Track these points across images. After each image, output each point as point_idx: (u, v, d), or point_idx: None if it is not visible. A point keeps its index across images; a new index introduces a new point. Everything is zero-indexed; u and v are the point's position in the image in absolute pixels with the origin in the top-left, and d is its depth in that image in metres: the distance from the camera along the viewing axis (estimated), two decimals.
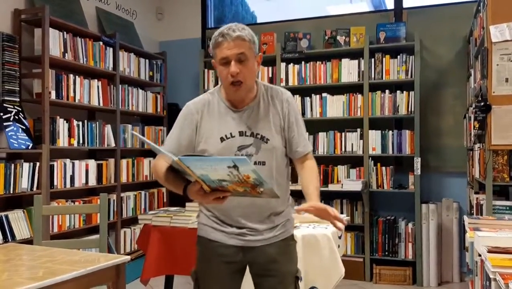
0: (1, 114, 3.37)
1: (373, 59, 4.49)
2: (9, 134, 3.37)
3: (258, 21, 5.74)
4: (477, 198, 3.28)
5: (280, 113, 1.82)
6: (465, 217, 2.77)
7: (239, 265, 1.83)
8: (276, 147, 1.79)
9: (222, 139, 1.76)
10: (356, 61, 4.53)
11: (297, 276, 1.85)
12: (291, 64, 4.74)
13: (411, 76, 4.36)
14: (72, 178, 3.91)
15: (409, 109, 4.36)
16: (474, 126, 3.05)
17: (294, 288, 1.83)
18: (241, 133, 1.77)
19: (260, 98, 1.82)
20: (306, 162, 1.87)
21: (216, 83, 5.01)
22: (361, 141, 4.49)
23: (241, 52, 1.70)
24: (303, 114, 4.64)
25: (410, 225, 4.36)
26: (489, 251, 1.86)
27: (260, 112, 1.80)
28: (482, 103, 2.85)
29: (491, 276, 1.70)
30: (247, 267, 1.86)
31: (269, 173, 1.77)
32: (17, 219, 3.35)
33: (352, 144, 4.53)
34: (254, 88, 1.82)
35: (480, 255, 2.06)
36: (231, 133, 1.77)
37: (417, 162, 4.27)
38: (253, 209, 1.78)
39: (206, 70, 5.09)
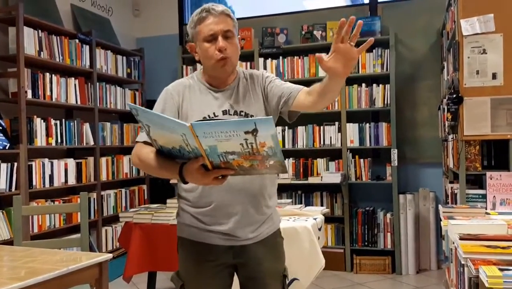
0: None
1: None
2: None
3: (236, 16, 5.72)
4: (451, 188, 3.37)
5: (261, 87, 1.77)
6: (440, 206, 2.85)
7: (228, 267, 1.75)
8: None
9: (205, 119, 1.66)
10: None
11: (284, 275, 1.81)
12: (269, 59, 4.77)
13: (387, 70, 4.43)
14: (51, 177, 3.88)
15: (385, 102, 4.44)
16: (447, 118, 3.13)
17: (282, 287, 1.80)
18: (224, 112, 1.71)
19: (241, 78, 1.79)
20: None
21: None
22: (339, 134, 4.55)
23: (228, 30, 1.68)
24: None
25: (388, 215, 4.45)
26: (461, 238, 1.93)
27: (241, 91, 1.75)
28: (454, 95, 2.93)
29: (463, 262, 1.77)
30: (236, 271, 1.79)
31: None
32: None
33: (330, 137, 4.59)
34: (235, 70, 1.79)
35: (453, 243, 2.13)
36: (214, 113, 1.70)
37: (394, 153, 4.35)
38: (245, 195, 1.68)
39: (184, 66, 5.08)
